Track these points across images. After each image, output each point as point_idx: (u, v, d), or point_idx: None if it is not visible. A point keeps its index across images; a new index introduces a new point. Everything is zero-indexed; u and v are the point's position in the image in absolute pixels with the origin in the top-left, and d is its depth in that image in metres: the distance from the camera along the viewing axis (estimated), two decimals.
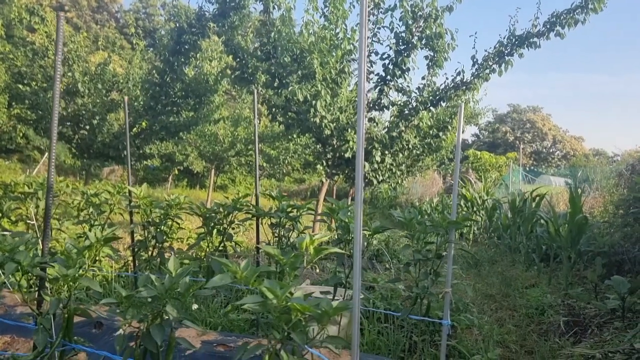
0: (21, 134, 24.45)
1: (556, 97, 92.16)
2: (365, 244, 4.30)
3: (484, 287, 8.25)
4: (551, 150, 55.96)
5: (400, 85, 10.23)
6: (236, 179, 31.86)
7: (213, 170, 19.20)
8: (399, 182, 14.28)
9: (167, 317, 2.40)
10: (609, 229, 9.74)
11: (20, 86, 11.74)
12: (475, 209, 12.35)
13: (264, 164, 18.75)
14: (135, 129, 12.02)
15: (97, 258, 2.76)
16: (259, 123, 20.15)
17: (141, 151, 12.65)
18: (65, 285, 2.66)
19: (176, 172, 29.39)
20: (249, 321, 5.87)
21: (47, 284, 2.64)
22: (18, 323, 5.17)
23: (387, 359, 4.59)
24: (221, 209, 4.86)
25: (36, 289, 2.68)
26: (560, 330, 6.06)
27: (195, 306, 2.29)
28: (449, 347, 5.13)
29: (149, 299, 2.39)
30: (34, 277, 2.64)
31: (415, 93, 10.45)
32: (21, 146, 27.28)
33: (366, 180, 11.32)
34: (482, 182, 15.36)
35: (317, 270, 8.15)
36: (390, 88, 10.28)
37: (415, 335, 5.62)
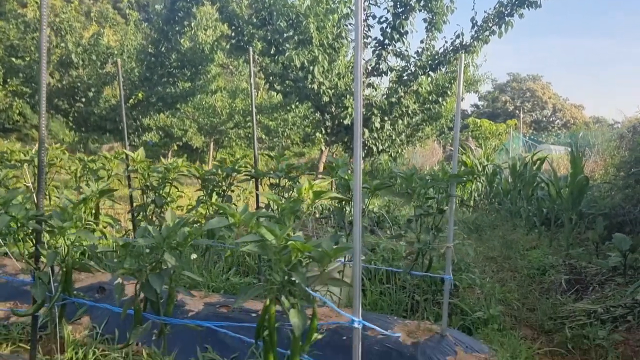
0: (17, 112, 24.27)
1: (556, 64, 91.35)
2: (365, 205, 4.26)
3: (485, 250, 8.25)
4: (551, 119, 55.72)
5: (399, 50, 10.08)
6: (236, 153, 31.76)
7: (212, 145, 19.13)
8: (399, 151, 14.21)
9: (165, 267, 2.36)
10: (610, 192, 9.71)
11: (14, 59, 11.58)
12: (475, 174, 12.33)
13: (263, 136, 18.65)
14: (131, 100, 11.90)
15: (93, 212, 2.72)
16: (257, 94, 19.98)
17: (138, 123, 12.55)
18: (62, 240, 2.62)
19: (175, 147, 29.30)
20: (252, 285, 5.87)
21: (43, 239, 2.60)
22: (22, 281, 5.20)
23: (390, 316, 4.59)
24: (220, 171, 4.81)
25: (32, 245, 2.64)
26: (562, 288, 6.08)
27: (194, 256, 2.27)
28: (451, 305, 5.14)
29: (147, 250, 2.35)
30: (30, 232, 2.60)
31: (414, 58, 10.31)
32: (19, 124, 27.13)
33: (366, 148, 11.25)
34: (482, 149, 15.29)
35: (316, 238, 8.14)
36: (389, 53, 10.14)
37: (418, 295, 5.64)
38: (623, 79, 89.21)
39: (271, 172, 4.54)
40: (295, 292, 2.08)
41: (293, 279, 2.00)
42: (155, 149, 30.57)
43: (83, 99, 11.82)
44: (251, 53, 4.80)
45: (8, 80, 14.04)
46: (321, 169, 11.46)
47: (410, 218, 4.25)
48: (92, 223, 2.48)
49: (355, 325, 2.05)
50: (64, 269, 2.62)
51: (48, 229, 2.52)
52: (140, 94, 11.82)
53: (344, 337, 4.06)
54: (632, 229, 8.22)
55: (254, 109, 4.95)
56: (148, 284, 2.25)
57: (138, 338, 2.28)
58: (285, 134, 19.53)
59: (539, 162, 10.58)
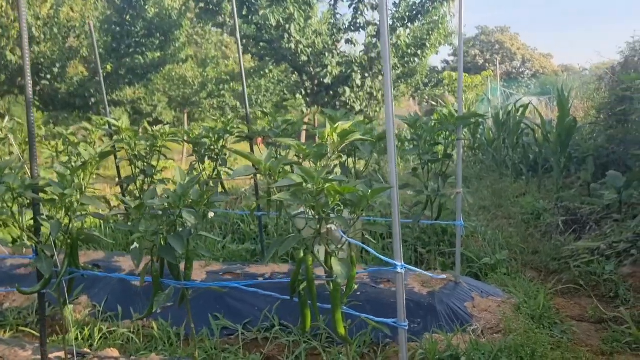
0: None
1: (523, 15, 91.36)
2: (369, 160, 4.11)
3: (475, 200, 8.22)
4: (521, 70, 55.98)
5: (376, 3, 9.79)
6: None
7: (186, 118, 18.60)
8: (377, 110, 14.05)
9: (180, 229, 2.19)
10: (592, 134, 9.76)
11: None
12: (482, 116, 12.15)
13: (237, 104, 18.18)
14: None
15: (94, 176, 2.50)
16: (227, 62, 19.43)
17: (109, 97, 12.04)
18: (63, 209, 2.41)
19: (146, 124, 28.49)
20: (250, 251, 5.74)
21: (42, 209, 2.39)
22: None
23: None
24: (211, 134, 4.59)
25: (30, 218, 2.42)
26: (560, 230, 6.09)
27: (212, 214, 2.11)
28: (455, 254, 5.09)
29: (160, 212, 2.17)
30: (28, 204, 2.38)
31: (392, 10, 10.04)
32: None
33: (347, 107, 11.04)
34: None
35: None
36: (366, 6, 9.85)
37: (420, 247, 5.58)
38: (590, 28, 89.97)
39: (266, 130, 4.34)
40: (330, 241, 1.94)
41: (329, 226, 1.85)
42: None
43: (48, 76, 11.26)
44: (234, 2, 4.53)
45: None
46: (303, 134, 11.22)
47: (415, 167, 4.13)
48: (93, 190, 2.27)
49: (399, 269, 1.92)
50: (69, 241, 2.42)
51: (47, 197, 2.30)
52: (108, 66, 11.31)
53: (358, 293, 3.97)
54: (617, 168, 8.28)
55: (242, 66, 4.72)
56: (167, 246, 2.07)
57: (160, 304, 2.12)
58: (259, 101, 19.08)
59: (522, 109, 10.54)
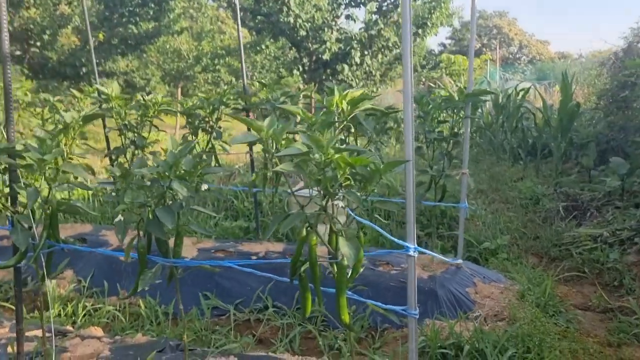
0: None
1: (522, 0, 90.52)
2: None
3: (472, 183, 8.04)
4: (518, 56, 55.66)
5: None
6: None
7: (179, 93, 18.22)
8: (375, 90, 13.81)
9: (170, 202, 1.99)
10: (591, 121, 9.61)
11: None
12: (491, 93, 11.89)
13: (232, 79, 17.82)
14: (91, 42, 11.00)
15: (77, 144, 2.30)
16: (223, 36, 19.00)
17: (100, 68, 11.70)
18: (43, 177, 2.21)
19: (138, 95, 27.96)
20: (243, 229, 5.56)
21: (20, 176, 2.18)
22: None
23: (399, 252, 4.35)
24: (206, 105, 4.36)
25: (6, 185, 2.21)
26: (560, 215, 5.95)
27: (205, 186, 1.92)
28: (454, 237, 4.95)
29: (148, 182, 1.97)
30: (3, 170, 2.17)
31: None
32: None
33: (345, 84, 10.78)
34: (460, 84, 14.94)
35: None
36: None
37: (419, 230, 5.43)
38: (587, 15, 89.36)
39: (264, 101, 4.12)
40: (336, 219, 1.75)
41: (336, 202, 1.66)
42: None
43: (38, 43, 10.89)
44: None
45: None
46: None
47: (419, 145, 3.94)
48: (76, 157, 2.07)
49: (411, 252, 1.74)
50: (48, 211, 2.22)
51: (24, 163, 2.10)
52: (100, 35, 10.95)
53: (372, 269, 3.82)
54: (616, 155, 8.15)
55: (240, 35, 4.50)
56: (156, 220, 1.88)
57: (146, 284, 1.93)
58: (254, 77, 18.74)
59: (522, 92, 10.34)
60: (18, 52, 11.14)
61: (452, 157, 3.71)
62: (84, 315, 3.58)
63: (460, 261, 3.82)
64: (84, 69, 11.10)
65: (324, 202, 1.67)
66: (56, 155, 2.09)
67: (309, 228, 1.74)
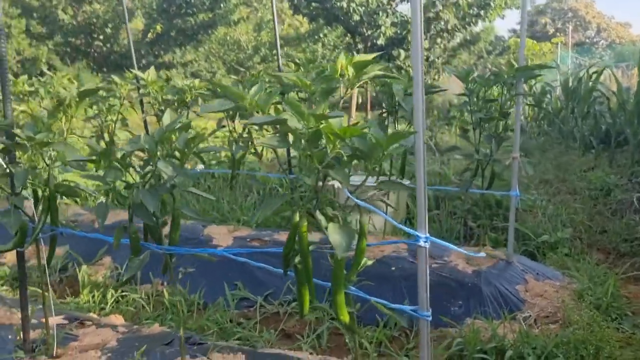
0: (45, 63, 23.86)
1: None
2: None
3: (536, 173, 7.49)
4: (595, 40, 52.44)
5: None
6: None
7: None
8: (436, 78, 13.29)
9: (161, 182, 1.82)
10: None
11: None
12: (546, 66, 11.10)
13: (292, 66, 17.73)
14: (150, 34, 11.23)
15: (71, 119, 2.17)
16: (282, 27, 18.96)
17: (160, 60, 11.92)
18: (41, 159, 2.10)
19: (175, 78, 28.38)
20: (286, 218, 5.38)
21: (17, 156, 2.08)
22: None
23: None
24: (241, 87, 4.20)
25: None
26: (634, 208, 5.36)
27: (200, 166, 1.76)
28: (509, 230, 4.54)
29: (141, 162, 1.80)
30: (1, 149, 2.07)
31: None
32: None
33: (403, 71, 10.38)
34: None
35: None
36: None
37: (471, 221, 5.05)
38: None
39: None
40: (334, 203, 1.50)
41: (331, 182, 1.41)
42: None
43: (101, 37, 11.23)
44: None
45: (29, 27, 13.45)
46: (354, 107, 10.63)
47: (466, 128, 3.59)
48: (76, 136, 1.93)
49: (421, 243, 1.47)
50: (46, 193, 2.11)
51: (19, 141, 1.99)
52: (158, 27, 11.13)
53: (392, 268, 3.54)
54: None
55: (274, 4, 4.30)
56: (140, 203, 1.71)
57: (134, 271, 1.77)
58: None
59: (595, 75, 9.52)
60: (84, 48, 11.55)
61: (502, 140, 3.34)
62: (113, 302, 3.51)
63: (483, 254, 3.45)
64: (143, 61, 11.33)
65: (316, 182, 1.43)
66: (47, 136, 1.96)
67: (302, 213, 1.50)
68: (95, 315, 3.12)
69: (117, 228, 1.88)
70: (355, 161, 1.50)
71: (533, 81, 12.09)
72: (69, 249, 4.18)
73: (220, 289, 3.64)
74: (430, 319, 1.53)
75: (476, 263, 3.43)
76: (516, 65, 3.07)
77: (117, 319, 3.02)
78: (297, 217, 1.51)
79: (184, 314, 3.23)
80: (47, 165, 2.12)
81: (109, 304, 3.49)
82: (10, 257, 4.26)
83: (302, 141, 1.36)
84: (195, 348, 2.32)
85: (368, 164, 1.43)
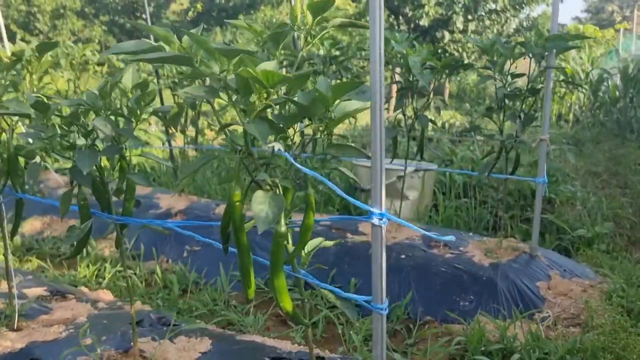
0: (98, 43, 24.43)
1: None
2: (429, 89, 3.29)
3: (586, 165, 6.94)
4: None
5: None
6: None
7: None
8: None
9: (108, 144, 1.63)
10: None
11: None
12: (576, 85, 10.51)
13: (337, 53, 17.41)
14: (190, 13, 11.20)
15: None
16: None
17: None
18: (2, 119, 1.96)
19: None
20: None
21: None
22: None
23: (464, 233, 3.71)
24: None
25: None
26: None
27: (152, 128, 1.59)
28: (544, 222, 4.17)
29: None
30: None
31: None
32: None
33: (446, 54, 9.89)
34: (585, 55, 13.17)
35: None
36: None
37: (501, 211, 4.68)
38: None
39: (314, 55, 3.66)
40: (276, 168, 1.27)
41: (271, 144, 1.19)
42: None
43: (144, 15, 11.28)
44: None
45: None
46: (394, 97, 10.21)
47: (489, 106, 3.25)
48: (42, 97, 1.77)
49: (375, 220, 1.21)
50: (6, 155, 1.97)
51: None
52: (198, 5, 11.09)
53: (402, 256, 3.26)
54: None
55: None
56: (75, 167, 1.53)
57: (72, 241, 1.60)
58: (363, 54, 18.15)
59: None
60: (128, 26, 11.65)
61: (530, 120, 2.99)
62: (112, 278, 3.41)
63: (535, 247, 3.12)
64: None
65: (246, 143, 1.20)
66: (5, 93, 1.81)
67: (236, 180, 1.28)
68: (85, 289, 3.02)
69: (63, 193, 1.71)
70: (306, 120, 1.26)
71: (590, 67, 11.33)
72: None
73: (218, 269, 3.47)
74: (385, 312, 1.27)
75: (495, 255, 3.11)
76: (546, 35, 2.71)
77: (105, 295, 2.90)
78: (233, 185, 1.28)
79: (175, 293, 3.08)
80: (8, 125, 1.98)
81: (107, 279, 3.39)
82: None
83: (233, 94, 1.13)
84: (165, 329, 2.15)
85: (312, 122, 1.18)
